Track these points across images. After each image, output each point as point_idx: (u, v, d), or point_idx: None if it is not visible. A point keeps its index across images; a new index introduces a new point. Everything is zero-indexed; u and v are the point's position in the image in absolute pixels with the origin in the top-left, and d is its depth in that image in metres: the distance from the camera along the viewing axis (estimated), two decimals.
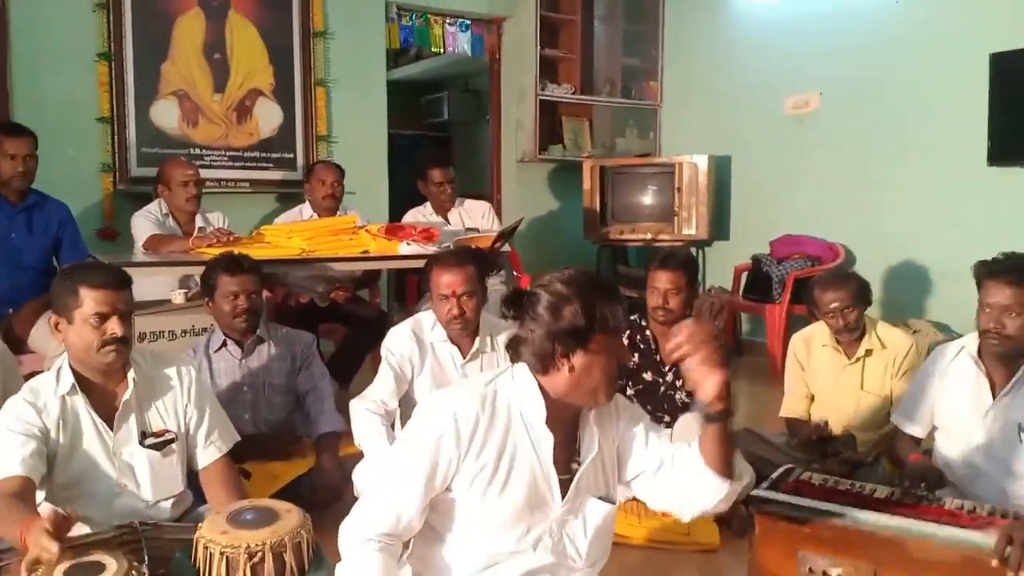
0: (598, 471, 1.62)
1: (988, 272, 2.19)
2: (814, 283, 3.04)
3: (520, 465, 1.54)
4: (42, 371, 2.52)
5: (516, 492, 1.54)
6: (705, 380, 1.52)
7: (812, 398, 3.07)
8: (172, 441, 2.05)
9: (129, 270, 2.08)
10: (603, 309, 1.50)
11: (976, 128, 4.15)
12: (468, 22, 5.66)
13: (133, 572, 1.52)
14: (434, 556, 1.60)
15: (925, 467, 2.13)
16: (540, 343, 1.51)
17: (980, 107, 4.13)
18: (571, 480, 1.58)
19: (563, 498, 1.57)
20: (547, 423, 1.55)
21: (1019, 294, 2.13)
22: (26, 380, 2.22)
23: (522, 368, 1.58)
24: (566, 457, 1.60)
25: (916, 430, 2.43)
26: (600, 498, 1.62)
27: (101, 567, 1.51)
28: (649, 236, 5.43)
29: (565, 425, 1.60)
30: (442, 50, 5.66)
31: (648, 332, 2.92)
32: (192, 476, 2.14)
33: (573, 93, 5.82)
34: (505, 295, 1.61)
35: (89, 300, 1.91)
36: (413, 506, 1.52)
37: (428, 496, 1.53)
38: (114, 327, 1.92)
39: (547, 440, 1.55)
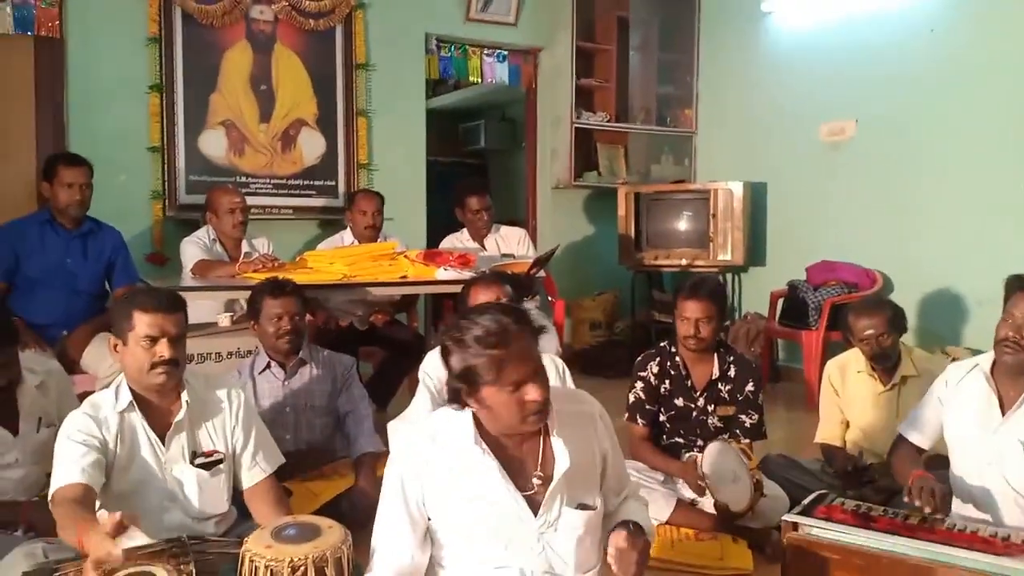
0: (576, 480, 1.65)
1: (1020, 285, 2.20)
2: (849, 310, 3.05)
3: (477, 486, 1.61)
4: (94, 391, 2.64)
5: (483, 511, 1.61)
6: None
7: (847, 424, 3.07)
8: (220, 462, 2.13)
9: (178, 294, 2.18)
10: (479, 360, 1.52)
11: (1015, 155, 4.13)
12: (505, 53, 5.77)
13: None
14: None
15: (930, 483, 2.11)
16: (448, 383, 1.61)
17: (1019, 134, 4.11)
18: (541, 496, 1.63)
19: (535, 513, 1.62)
20: (493, 447, 1.62)
21: None
22: (79, 399, 2.34)
23: None
24: (529, 472, 1.65)
25: (923, 441, 2.40)
26: (579, 506, 1.65)
27: None
28: (684, 262, 5.44)
29: (522, 445, 1.65)
30: (479, 80, 5.78)
31: (678, 358, 2.94)
32: (235, 493, 2.21)
33: (608, 121, 5.89)
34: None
35: (141, 323, 2.01)
36: (410, 543, 1.63)
37: (417, 529, 1.64)
38: (163, 350, 2.00)
39: (487, 464, 1.61)
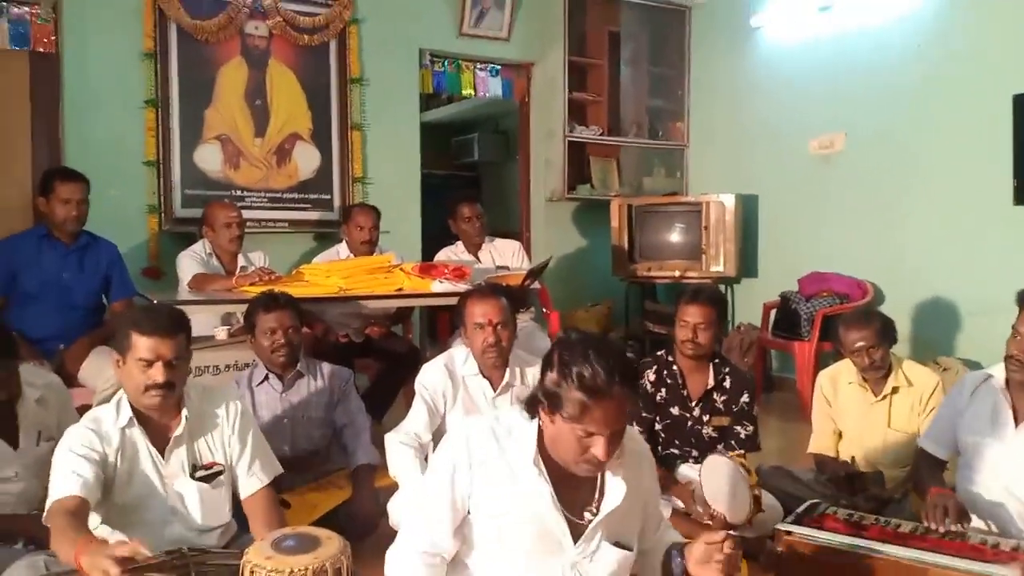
0: (619, 520, 1.66)
1: None
2: (839, 322, 3.08)
3: (526, 501, 1.61)
4: (91, 405, 2.65)
5: (525, 526, 1.61)
6: None
7: (840, 435, 3.10)
8: (220, 474, 2.15)
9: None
10: (570, 394, 1.50)
11: (1001, 167, 4.19)
12: (498, 67, 5.83)
13: None
14: None
15: (947, 500, 2.13)
16: (534, 388, 1.61)
17: (1005, 147, 4.17)
18: (586, 525, 1.63)
19: (575, 542, 1.62)
20: (550, 466, 1.61)
21: None
22: (78, 413, 2.35)
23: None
24: (582, 503, 1.65)
25: (940, 452, 2.44)
26: (617, 544, 1.66)
27: None
28: (677, 273, 5.49)
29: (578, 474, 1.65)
30: (473, 94, 5.82)
31: (675, 367, 2.97)
32: (236, 504, 2.23)
33: (601, 134, 5.94)
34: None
35: (137, 345, 2.01)
36: (444, 530, 1.63)
37: (456, 518, 1.63)
38: (157, 374, 2.00)
39: (541, 486, 1.60)
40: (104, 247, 3.63)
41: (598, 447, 1.52)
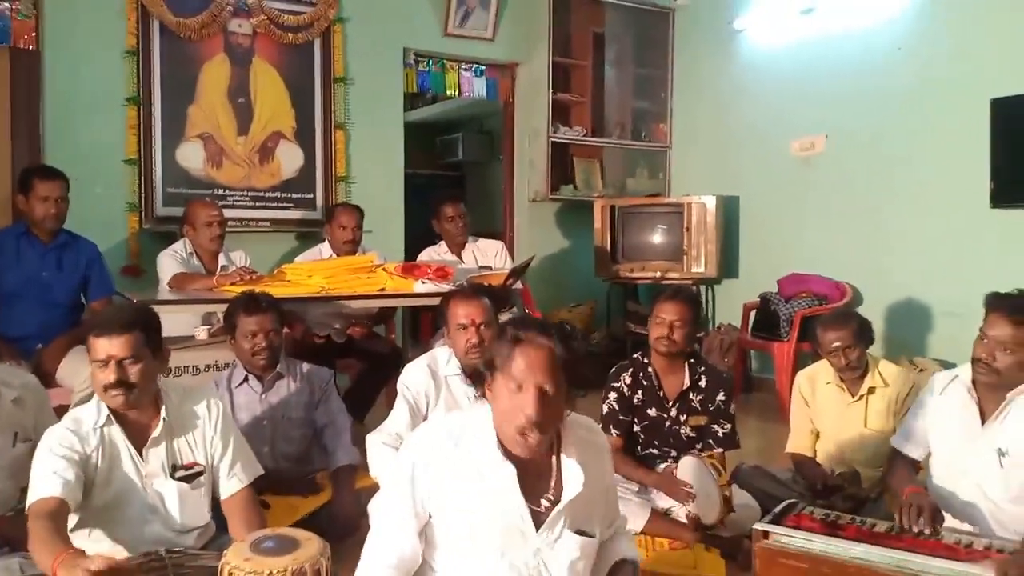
0: (580, 507, 1.68)
1: (996, 305, 2.24)
2: (817, 323, 3.11)
3: (488, 491, 1.63)
4: (68, 405, 2.63)
5: (488, 517, 1.63)
6: None
7: (817, 435, 3.13)
8: (200, 474, 2.14)
9: (155, 307, 2.18)
10: (503, 348, 1.62)
11: (978, 171, 4.24)
12: (483, 67, 5.84)
13: None
14: None
15: (921, 499, 2.16)
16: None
17: (982, 150, 4.22)
18: (547, 514, 1.65)
19: (537, 530, 1.64)
20: (511, 458, 1.63)
21: (1018, 334, 2.18)
22: (56, 413, 2.34)
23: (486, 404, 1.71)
24: (542, 490, 1.67)
25: (913, 451, 2.47)
26: (579, 531, 1.68)
27: None
28: (659, 274, 5.52)
29: (537, 460, 1.67)
30: (457, 94, 5.83)
31: (651, 369, 2.99)
32: (215, 505, 2.22)
33: (584, 135, 5.96)
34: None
35: (93, 347, 2.01)
36: (408, 536, 1.65)
37: (419, 523, 1.66)
38: (109, 374, 1.98)
39: (505, 469, 1.63)
40: (83, 245, 3.60)
41: (528, 404, 1.56)
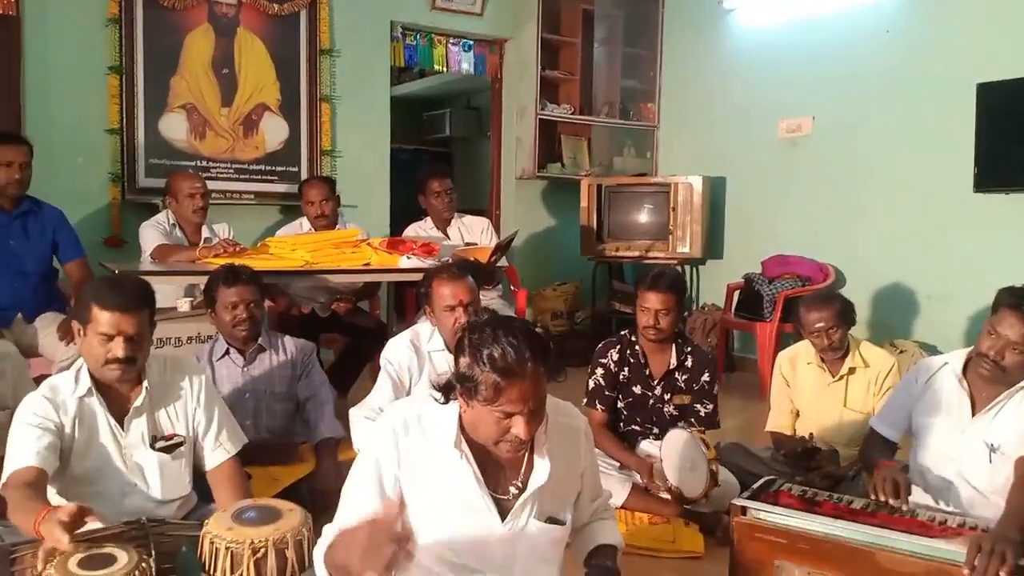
0: (549, 495, 1.66)
1: (1010, 303, 2.15)
2: (800, 303, 3.13)
3: (452, 484, 1.61)
4: (50, 375, 2.61)
5: (453, 507, 1.61)
6: None
7: (797, 414, 3.16)
8: (181, 444, 2.13)
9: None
10: (484, 377, 1.48)
11: (963, 155, 4.26)
12: (471, 42, 5.79)
13: (143, 564, 1.60)
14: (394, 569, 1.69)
15: (894, 473, 2.18)
16: (449, 375, 1.60)
17: (967, 135, 4.24)
18: (514, 502, 1.63)
19: (503, 519, 1.63)
20: (474, 448, 1.60)
21: None
22: (35, 383, 2.32)
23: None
24: (508, 479, 1.65)
25: (890, 433, 2.47)
26: (550, 519, 1.67)
27: (112, 559, 1.57)
28: (644, 253, 5.53)
29: None
30: (445, 68, 5.78)
31: (638, 348, 3.01)
32: (196, 477, 2.22)
33: (572, 113, 5.94)
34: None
35: (98, 319, 1.98)
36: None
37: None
38: (116, 349, 1.98)
39: (463, 468, 1.60)
40: (48, 211, 3.53)
41: (518, 426, 1.51)
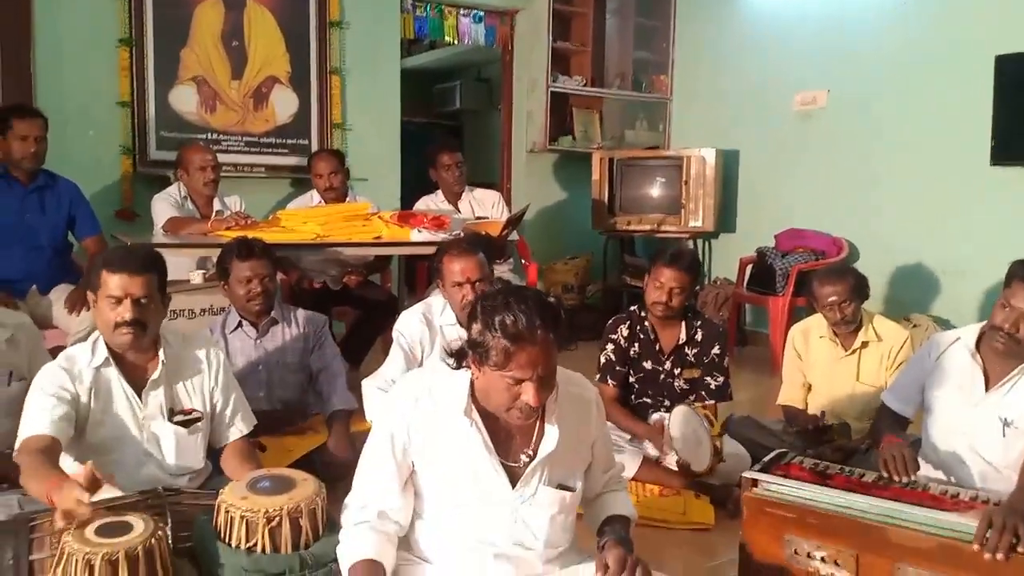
0: (560, 461, 1.67)
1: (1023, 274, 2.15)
2: (813, 277, 3.12)
3: (462, 449, 1.63)
4: (64, 346, 2.63)
5: (464, 474, 1.63)
6: None
7: (809, 387, 3.16)
8: (199, 420, 2.15)
9: None
10: (495, 343, 1.50)
11: (980, 128, 4.21)
12: (481, 13, 5.72)
13: (159, 532, 1.62)
14: (412, 534, 1.71)
15: (901, 448, 2.18)
16: (462, 341, 1.63)
17: (984, 108, 4.18)
18: (524, 468, 1.65)
19: (514, 485, 1.64)
20: (485, 416, 1.62)
21: None
22: (51, 354, 2.34)
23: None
24: (519, 447, 1.66)
25: (901, 408, 2.46)
26: (560, 486, 1.68)
27: (129, 527, 1.59)
28: (656, 227, 5.50)
29: None
30: (455, 40, 5.73)
31: (647, 323, 3.00)
32: (210, 449, 2.24)
33: (584, 85, 5.89)
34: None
35: (107, 282, 2.00)
36: (393, 488, 1.64)
37: (403, 476, 1.65)
38: (125, 311, 1.99)
39: (473, 435, 1.62)
40: (64, 185, 3.54)
41: (528, 393, 1.53)
